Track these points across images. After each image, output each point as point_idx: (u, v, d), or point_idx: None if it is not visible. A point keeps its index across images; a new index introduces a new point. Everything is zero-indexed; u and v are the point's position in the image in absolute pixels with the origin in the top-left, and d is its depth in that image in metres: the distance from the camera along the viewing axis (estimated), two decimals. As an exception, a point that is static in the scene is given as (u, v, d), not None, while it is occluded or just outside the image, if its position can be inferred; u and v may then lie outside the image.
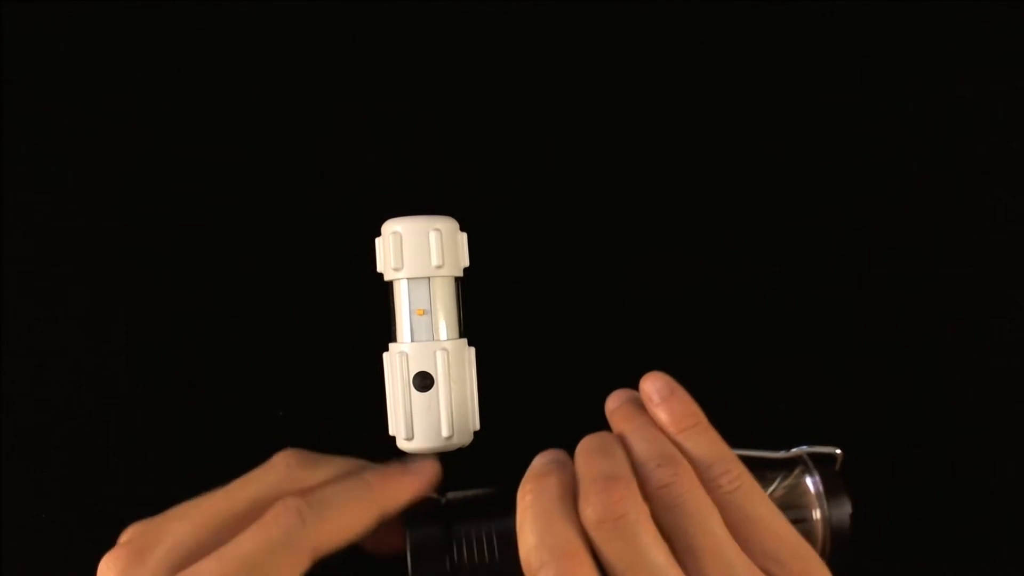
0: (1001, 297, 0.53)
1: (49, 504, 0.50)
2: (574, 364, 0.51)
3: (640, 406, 0.38)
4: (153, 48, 0.51)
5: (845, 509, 0.39)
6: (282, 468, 0.40)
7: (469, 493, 0.41)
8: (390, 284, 0.44)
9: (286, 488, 0.38)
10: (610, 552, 0.32)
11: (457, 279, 0.45)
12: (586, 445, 0.37)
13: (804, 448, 0.41)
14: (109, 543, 0.37)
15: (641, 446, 0.36)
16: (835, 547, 0.39)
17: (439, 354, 0.43)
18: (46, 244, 0.50)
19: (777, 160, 0.53)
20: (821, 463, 0.41)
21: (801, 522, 0.39)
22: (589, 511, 0.33)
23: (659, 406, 0.37)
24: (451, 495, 0.41)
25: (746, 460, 0.37)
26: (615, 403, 0.39)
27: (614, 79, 0.53)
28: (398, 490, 0.39)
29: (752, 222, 0.53)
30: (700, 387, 0.50)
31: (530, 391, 0.51)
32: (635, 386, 0.40)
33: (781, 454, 0.41)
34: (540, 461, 0.37)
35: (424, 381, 0.43)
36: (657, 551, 0.32)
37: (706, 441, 0.36)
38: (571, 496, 0.34)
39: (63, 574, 0.49)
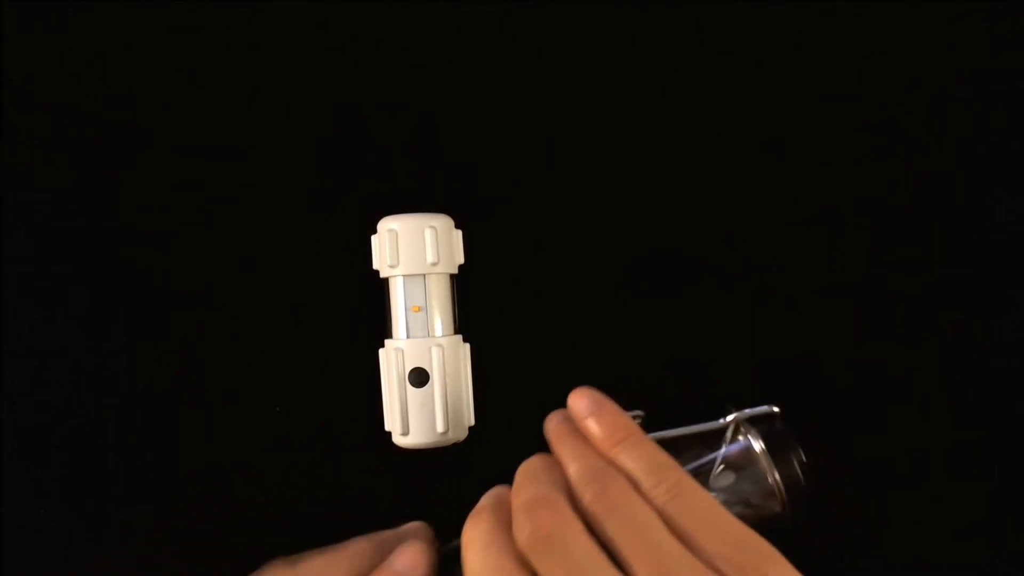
0: (1001, 297, 0.53)
1: (49, 504, 0.50)
2: (573, 363, 0.51)
3: (572, 424, 0.39)
4: (153, 48, 0.51)
5: (793, 462, 0.39)
6: None
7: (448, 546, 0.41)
8: (386, 281, 0.44)
9: None
10: (546, 570, 0.33)
11: (452, 276, 0.45)
12: (519, 472, 0.38)
13: (745, 411, 0.41)
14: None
15: (571, 466, 0.37)
16: (793, 502, 0.39)
17: (434, 350, 0.43)
18: (46, 244, 0.50)
19: (777, 160, 0.53)
20: (762, 423, 0.41)
21: (754, 487, 0.39)
22: (520, 535, 0.34)
23: (588, 422, 0.38)
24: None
25: (685, 437, 0.37)
26: (550, 424, 0.40)
27: (614, 79, 0.53)
28: None
29: (752, 222, 0.53)
30: (700, 387, 0.51)
31: (529, 390, 0.50)
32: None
33: (718, 424, 0.41)
34: (482, 500, 0.38)
35: (419, 377, 0.43)
36: (591, 561, 0.33)
37: (639, 453, 0.37)
38: (508, 525, 0.35)
39: (63, 574, 0.49)
